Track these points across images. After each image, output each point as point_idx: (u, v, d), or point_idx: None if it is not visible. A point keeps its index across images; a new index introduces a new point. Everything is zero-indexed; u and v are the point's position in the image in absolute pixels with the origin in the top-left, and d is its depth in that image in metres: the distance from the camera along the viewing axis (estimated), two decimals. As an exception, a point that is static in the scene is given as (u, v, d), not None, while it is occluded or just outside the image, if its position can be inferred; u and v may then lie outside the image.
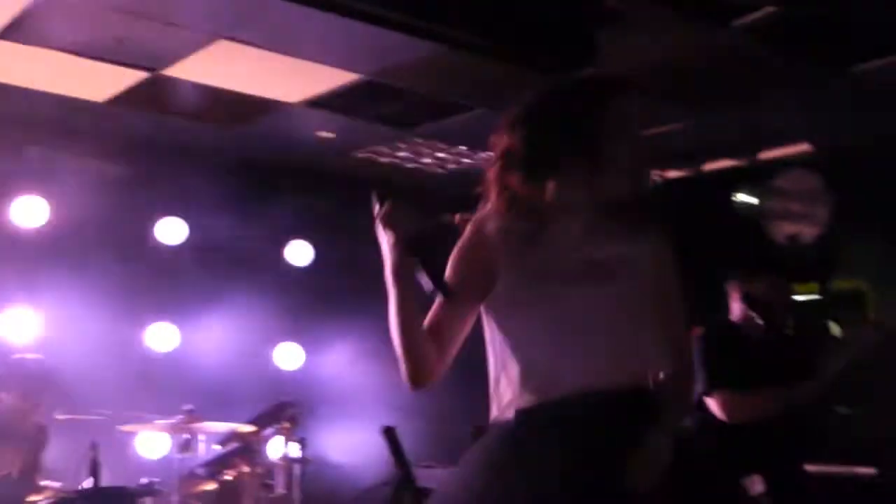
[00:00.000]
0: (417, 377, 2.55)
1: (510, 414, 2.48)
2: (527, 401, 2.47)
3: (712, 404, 4.23)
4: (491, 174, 2.59)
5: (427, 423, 6.14)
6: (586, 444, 2.40)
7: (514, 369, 2.51)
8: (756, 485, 4.09)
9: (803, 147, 6.29)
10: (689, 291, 2.60)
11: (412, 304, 2.52)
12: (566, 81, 2.66)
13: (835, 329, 5.72)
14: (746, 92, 5.72)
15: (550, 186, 2.54)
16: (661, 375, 2.51)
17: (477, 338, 2.65)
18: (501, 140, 2.58)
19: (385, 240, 2.50)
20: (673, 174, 6.86)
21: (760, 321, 4.38)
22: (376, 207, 2.52)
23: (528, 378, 2.48)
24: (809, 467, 4.60)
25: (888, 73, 5.22)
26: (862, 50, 5.08)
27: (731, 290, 4.51)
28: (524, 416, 2.46)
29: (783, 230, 6.31)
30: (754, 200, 6.36)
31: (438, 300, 2.55)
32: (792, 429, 4.28)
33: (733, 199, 6.38)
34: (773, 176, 6.42)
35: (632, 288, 2.50)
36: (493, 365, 2.59)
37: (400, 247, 2.47)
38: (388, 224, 2.50)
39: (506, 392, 2.53)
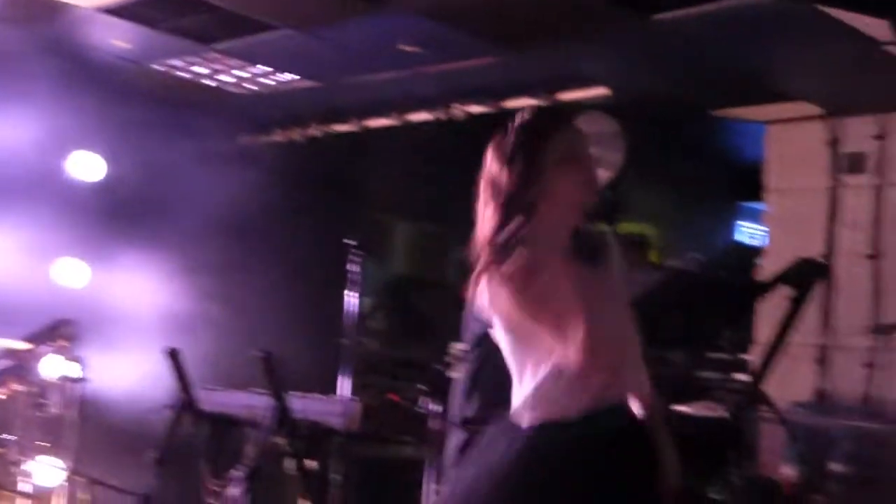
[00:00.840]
0: None
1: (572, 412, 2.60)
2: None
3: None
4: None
5: (211, 346, 6.07)
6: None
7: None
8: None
9: (601, 91, 6.43)
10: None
11: None
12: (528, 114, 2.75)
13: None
14: (549, 32, 5.78)
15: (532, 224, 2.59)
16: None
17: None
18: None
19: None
20: (474, 110, 6.92)
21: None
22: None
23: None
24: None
25: (686, 24, 5.37)
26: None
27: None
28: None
29: (577, 171, 6.45)
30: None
31: None
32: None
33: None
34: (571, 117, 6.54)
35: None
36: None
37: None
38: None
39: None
